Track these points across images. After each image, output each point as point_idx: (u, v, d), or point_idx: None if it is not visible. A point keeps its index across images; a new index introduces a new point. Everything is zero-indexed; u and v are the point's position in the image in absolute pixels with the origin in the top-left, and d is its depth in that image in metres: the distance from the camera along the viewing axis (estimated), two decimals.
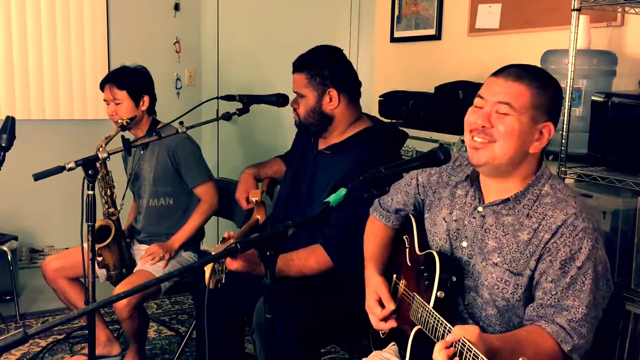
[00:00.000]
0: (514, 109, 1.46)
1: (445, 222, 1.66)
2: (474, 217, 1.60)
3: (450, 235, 1.64)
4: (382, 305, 1.69)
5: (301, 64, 2.24)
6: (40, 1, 3.77)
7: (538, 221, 1.48)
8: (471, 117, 1.52)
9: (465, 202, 1.63)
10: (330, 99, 2.21)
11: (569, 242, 1.43)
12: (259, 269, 1.88)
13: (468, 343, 1.25)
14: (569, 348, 1.39)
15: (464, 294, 1.58)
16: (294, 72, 2.26)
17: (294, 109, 2.29)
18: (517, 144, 1.47)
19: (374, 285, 1.73)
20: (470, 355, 1.24)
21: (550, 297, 1.43)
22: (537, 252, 1.47)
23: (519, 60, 2.65)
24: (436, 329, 1.47)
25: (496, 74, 1.53)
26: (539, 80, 1.48)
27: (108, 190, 2.63)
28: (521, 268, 1.49)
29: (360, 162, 2.12)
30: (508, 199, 1.53)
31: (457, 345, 1.26)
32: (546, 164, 1.56)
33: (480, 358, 1.21)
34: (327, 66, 2.21)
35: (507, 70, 1.51)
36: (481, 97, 1.52)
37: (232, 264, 1.85)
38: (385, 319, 1.67)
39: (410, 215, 1.83)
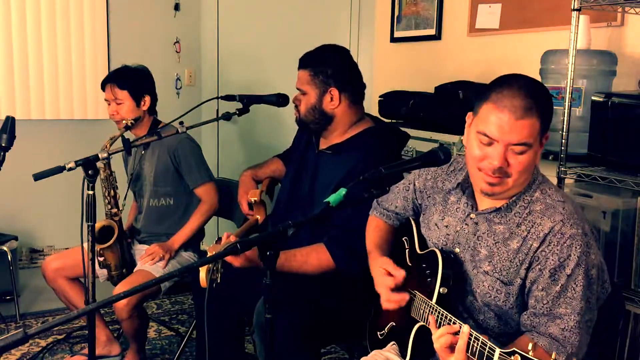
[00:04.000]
0: (530, 145, 1.44)
1: (438, 228, 1.67)
2: (466, 224, 1.59)
3: (441, 241, 1.64)
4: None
5: (306, 61, 2.25)
6: (40, 1, 3.77)
7: (527, 229, 1.48)
8: (483, 157, 1.46)
9: (457, 209, 1.63)
10: (331, 99, 2.20)
11: (557, 250, 1.43)
12: (261, 263, 1.87)
13: (475, 333, 1.26)
14: (563, 358, 1.40)
15: (463, 297, 1.58)
16: (298, 67, 2.27)
17: (296, 106, 2.30)
18: (531, 170, 1.49)
19: (380, 263, 1.70)
20: (477, 344, 1.26)
21: (543, 306, 1.44)
22: (527, 260, 1.47)
23: (519, 61, 2.66)
24: (440, 323, 1.47)
25: (499, 105, 1.42)
26: (543, 105, 1.44)
27: (111, 190, 2.63)
28: (512, 277, 1.49)
29: (362, 162, 2.12)
30: (500, 208, 1.52)
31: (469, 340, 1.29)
32: (538, 170, 1.55)
33: (488, 345, 1.23)
34: (330, 65, 2.21)
35: (511, 102, 1.41)
36: (489, 137, 1.44)
37: (234, 261, 1.86)
38: (397, 291, 1.63)
39: (410, 218, 1.83)
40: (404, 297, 1.61)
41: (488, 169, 1.46)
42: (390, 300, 1.63)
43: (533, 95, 1.44)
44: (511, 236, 1.50)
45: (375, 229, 1.91)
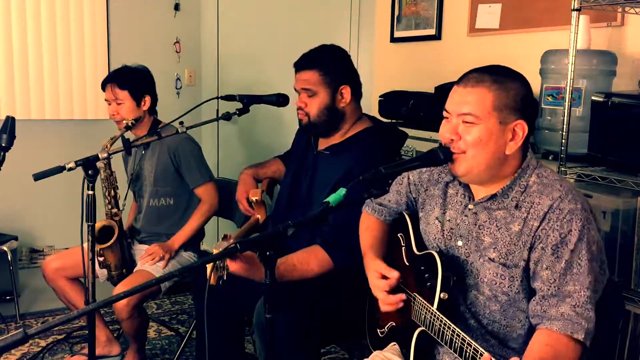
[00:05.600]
0: (478, 117, 1.45)
1: (439, 222, 1.66)
2: (466, 215, 1.59)
3: (445, 235, 1.64)
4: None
5: (312, 62, 2.21)
6: (40, 1, 3.77)
7: (527, 210, 1.48)
8: (441, 131, 1.52)
9: (456, 201, 1.63)
10: (342, 96, 2.21)
11: (557, 225, 1.42)
12: (259, 273, 1.87)
13: None
14: (582, 336, 1.37)
15: (465, 294, 1.57)
16: (302, 69, 2.22)
17: (300, 108, 2.25)
18: (490, 149, 1.46)
19: (373, 266, 1.71)
20: None
21: (550, 286, 1.42)
22: (529, 241, 1.46)
23: (519, 61, 2.66)
24: (442, 332, 1.46)
25: (458, 82, 1.52)
26: (499, 81, 1.46)
27: (112, 190, 2.62)
28: (516, 260, 1.48)
29: (360, 162, 2.12)
30: (495, 194, 1.52)
31: None
32: (531, 155, 1.54)
33: None
34: (337, 63, 2.21)
35: (467, 76, 1.50)
36: (446, 110, 1.52)
37: (232, 265, 1.85)
38: (393, 293, 1.63)
39: (404, 213, 1.83)
40: (400, 297, 1.62)
41: (446, 144, 1.50)
42: (386, 303, 1.64)
43: (493, 72, 1.48)
44: (512, 219, 1.50)
45: (367, 229, 1.90)
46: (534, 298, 1.46)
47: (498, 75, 1.48)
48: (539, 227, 1.45)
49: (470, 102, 1.46)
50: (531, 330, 1.50)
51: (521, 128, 1.47)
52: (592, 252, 1.42)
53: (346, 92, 2.20)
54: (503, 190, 1.51)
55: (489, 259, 1.52)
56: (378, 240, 1.86)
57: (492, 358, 1.27)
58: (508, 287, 1.50)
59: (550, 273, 1.42)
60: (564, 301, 1.40)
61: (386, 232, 1.89)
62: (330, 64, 2.20)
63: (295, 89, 2.27)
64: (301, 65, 2.24)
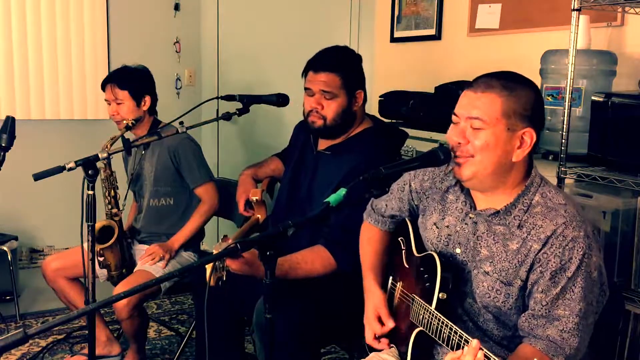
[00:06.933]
0: (486, 122, 1.44)
1: (437, 228, 1.65)
2: (465, 223, 1.58)
3: (442, 242, 1.63)
4: (381, 323, 1.70)
5: (335, 64, 2.18)
6: (40, 1, 3.77)
7: (528, 231, 1.46)
8: (449, 134, 1.51)
9: (456, 208, 1.62)
10: (356, 100, 2.22)
11: (559, 252, 1.41)
12: (262, 269, 1.87)
13: (485, 350, 1.26)
14: None
15: (462, 299, 1.57)
16: (322, 70, 2.17)
17: (315, 110, 2.19)
18: (497, 155, 1.45)
19: (375, 302, 1.73)
20: None
21: (542, 308, 1.43)
22: (527, 262, 1.46)
23: (519, 61, 2.66)
24: (440, 330, 1.46)
25: (468, 86, 1.51)
26: (509, 87, 1.45)
27: (112, 190, 2.62)
28: (511, 277, 1.48)
29: (361, 162, 2.12)
30: (498, 211, 1.51)
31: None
32: (536, 172, 1.53)
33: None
34: (356, 68, 2.24)
35: (477, 81, 1.49)
36: (455, 114, 1.50)
37: (233, 264, 1.85)
38: (379, 338, 1.70)
39: (406, 219, 1.83)
40: (384, 346, 1.69)
41: (453, 147, 1.49)
42: (370, 343, 1.71)
43: (504, 78, 1.47)
44: (511, 237, 1.49)
45: (369, 242, 1.89)
46: (523, 314, 1.47)
47: (509, 82, 1.46)
48: (540, 250, 1.44)
49: (479, 106, 1.45)
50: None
51: (529, 136, 1.45)
52: (592, 280, 1.42)
53: (360, 96, 2.23)
54: (506, 207, 1.50)
55: (484, 272, 1.52)
56: (379, 256, 1.86)
57: (481, 346, 1.28)
58: (502, 302, 1.50)
59: (544, 296, 1.43)
60: (552, 324, 1.41)
61: (388, 243, 1.89)
62: (351, 68, 2.22)
63: (306, 89, 2.22)
64: (322, 66, 2.18)
